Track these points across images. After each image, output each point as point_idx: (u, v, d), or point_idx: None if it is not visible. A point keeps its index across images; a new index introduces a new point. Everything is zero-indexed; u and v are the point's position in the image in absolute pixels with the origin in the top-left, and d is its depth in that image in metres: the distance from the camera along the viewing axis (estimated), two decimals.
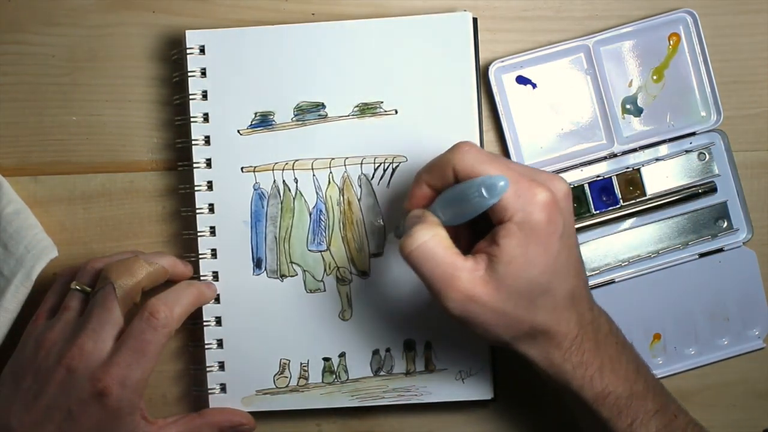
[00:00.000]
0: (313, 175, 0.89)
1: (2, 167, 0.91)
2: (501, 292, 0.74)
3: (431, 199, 0.79)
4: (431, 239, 0.75)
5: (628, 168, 0.92)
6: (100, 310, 0.82)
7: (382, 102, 0.89)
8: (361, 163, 0.89)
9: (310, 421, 0.94)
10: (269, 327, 0.90)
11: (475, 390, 0.90)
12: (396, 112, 0.89)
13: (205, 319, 0.90)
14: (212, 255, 0.89)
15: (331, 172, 0.89)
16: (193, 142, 0.89)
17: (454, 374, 0.90)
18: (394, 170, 0.89)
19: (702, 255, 0.93)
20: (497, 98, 0.90)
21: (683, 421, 0.80)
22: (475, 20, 0.89)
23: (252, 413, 0.90)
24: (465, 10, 0.89)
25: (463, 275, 0.74)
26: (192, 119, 0.89)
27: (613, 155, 0.92)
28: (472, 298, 0.74)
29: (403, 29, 0.88)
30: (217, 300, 0.90)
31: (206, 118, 0.89)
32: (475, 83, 0.89)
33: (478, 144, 0.88)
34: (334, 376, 0.90)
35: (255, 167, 0.89)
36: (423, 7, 0.91)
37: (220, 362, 0.90)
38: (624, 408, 0.78)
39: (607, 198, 0.92)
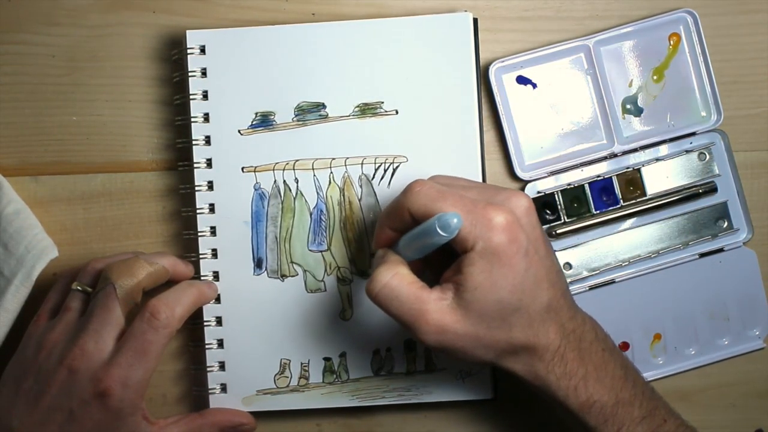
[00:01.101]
0: (314, 175, 0.89)
1: (2, 167, 0.91)
2: (470, 318, 0.75)
3: (395, 240, 0.81)
4: (393, 278, 0.76)
5: (628, 168, 0.92)
6: (101, 310, 0.82)
7: (382, 102, 0.89)
8: (362, 163, 0.89)
9: (311, 421, 0.94)
10: (270, 327, 0.90)
11: (475, 390, 0.91)
12: (396, 112, 0.89)
13: (205, 319, 0.90)
14: (213, 255, 0.89)
15: (331, 172, 0.89)
16: (194, 142, 0.89)
17: (455, 374, 0.90)
18: (394, 170, 0.89)
19: (702, 255, 0.93)
20: (497, 98, 0.90)
21: (673, 425, 0.80)
22: (475, 20, 0.89)
23: (252, 413, 0.90)
24: (465, 11, 0.89)
25: (431, 307, 0.75)
26: (192, 119, 0.89)
27: (614, 155, 0.92)
28: (443, 328, 0.75)
29: (404, 29, 0.88)
30: (218, 300, 0.90)
31: (207, 118, 0.89)
32: (476, 83, 0.89)
33: (478, 144, 0.89)
34: (334, 375, 0.90)
35: (255, 167, 0.89)
36: (423, 7, 0.91)
37: (220, 362, 0.90)
38: (610, 416, 0.78)
39: (607, 198, 0.92)
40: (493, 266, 0.74)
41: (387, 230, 0.81)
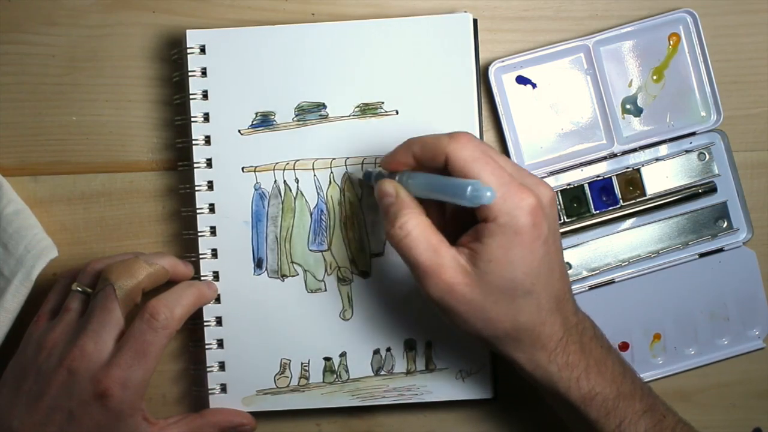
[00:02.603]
0: (314, 175, 0.89)
1: (2, 167, 0.91)
2: (482, 289, 0.75)
3: (411, 168, 0.81)
4: (417, 227, 0.76)
5: (628, 168, 0.92)
6: (101, 311, 0.82)
7: (382, 102, 0.89)
8: (362, 164, 0.89)
9: (311, 421, 0.94)
10: (270, 327, 0.90)
11: (476, 389, 0.91)
12: (397, 112, 0.89)
13: (205, 319, 0.90)
14: (213, 255, 0.89)
15: (332, 172, 0.89)
16: (194, 142, 0.89)
17: (455, 374, 0.90)
18: None
19: (702, 255, 0.93)
20: (497, 98, 0.90)
21: (672, 420, 0.80)
22: (475, 21, 0.89)
23: (252, 413, 0.90)
24: (465, 11, 0.90)
25: (447, 264, 0.75)
26: (192, 119, 0.89)
27: (613, 155, 0.92)
28: (452, 288, 0.75)
29: (404, 30, 0.89)
30: (218, 300, 0.89)
31: (207, 117, 0.89)
32: (475, 84, 0.89)
33: None
34: (334, 375, 0.90)
35: (256, 167, 0.89)
36: (423, 7, 0.91)
37: (220, 362, 0.90)
38: (612, 409, 0.78)
39: (607, 198, 0.92)
40: (513, 244, 0.74)
41: (410, 158, 0.80)
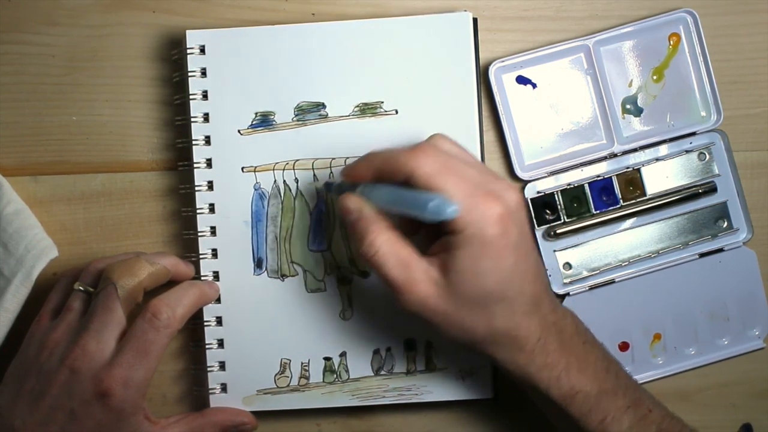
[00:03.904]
0: (314, 175, 0.89)
1: (2, 167, 0.91)
2: (453, 299, 0.76)
3: (371, 180, 0.80)
4: (386, 243, 0.77)
5: (628, 168, 0.92)
6: (103, 310, 0.82)
7: (382, 102, 0.89)
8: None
9: (310, 421, 0.94)
10: (270, 327, 0.90)
11: (476, 389, 0.91)
12: (396, 112, 0.89)
13: (205, 319, 0.90)
14: (213, 255, 0.89)
15: (331, 172, 0.89)
16: (194, 142, 0.89)
17: (455, 373, 0.90)
18: None
19: (702, 255, 0.93)
20: (497, 98, 0.90)
21: (658, 415, 0.80)
22: (475, 20, 0.89)
23: (253, 413, 0.90)
24: (465, 10, 0.89)
25: (418, 277, 0.76)
26: (192, 119, 0.89)
27: (613, 155, 0.92)
28: (425, 301, 0.76)
29: (404, 29, 0.88)
30: (218, 300, 0.89)
31: (206, 118, 0.89)
32: (475, 83, 0.89)
33: (478, 144, 0.89)
34: (335, 375, 0.90)
35: (255, 167, 0.89)
36: (423, 7, 0.91)
37: (220, 362, 0.90)
38: (594, 406, 0.79)
39: (607, 198, 0.92)
40: (481, 255, 0.74)
41: (371, 172, 0.80)
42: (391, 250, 0.76)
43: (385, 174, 0.78)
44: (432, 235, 0.79)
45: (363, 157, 0.81)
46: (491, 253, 0.74)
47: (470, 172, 0.77)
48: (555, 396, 0.79)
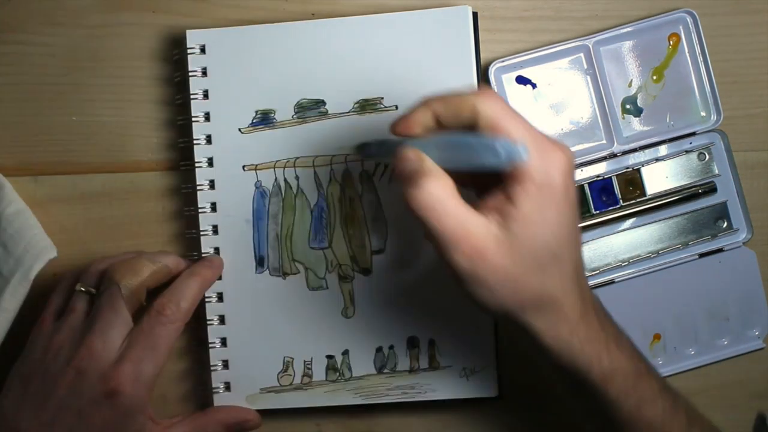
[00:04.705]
0: (315, 172, 0.89)
1: (2, 167, 0.91)
2: (513, 254, 0.70)
3: (428, 131, 0.74)
4: (441, 190, 0.71)
5: (628, 168, 0.92)
6: (107, 310, 0.82)
7: (382, 98, 0.89)
8: (363, 160, 0.89)
9: (310, 421, 0.94)
10: (272, 325, 0.90)
11: (480, 387, 0.90)
12: (396, 107, 0.89)
13: (208, 317, 0.90)
14: (215, 253, 0.90)
15: (332, 169, 0.89)
16: (195, 142, 0.89)
17: (459, 371, 0.90)
18: None
19: (702, 255, 0.93)
20: None
21: (684, 402, 0.79)
22: (475, 14, 0.89)
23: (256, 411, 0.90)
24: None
25: (475, 230, 0.70)
26: (193, 119, 0.89)
27: (613, 155, 0.92)
28: (483, 256, 0.70)
29: (403, 24, 0.88)
30: (221, 299, 0.90)
31: (207, 117, 0.89)
32: (476, 78, 0.89)
33: None
34: (337, 373, 0.90)
35: (256, 165, 0.89)
36: (422, 6, 0.91)
37: (224, 361, 0.90)
38: (631, 387, 0.75)
39: (607, 198, 0.92)
40: (548, 204, 0.70)
41: (430, 116, 0.73)
42: (447, 200, 0.70)
43: (446, 118, 0.73)
44: (482, 191, 0.75)
45: (418, 102, 0.74)
46: (557, 203, 0.70)
47: (532, 125, 0.72)
48: (595, 375, 0.74)
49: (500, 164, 0.69)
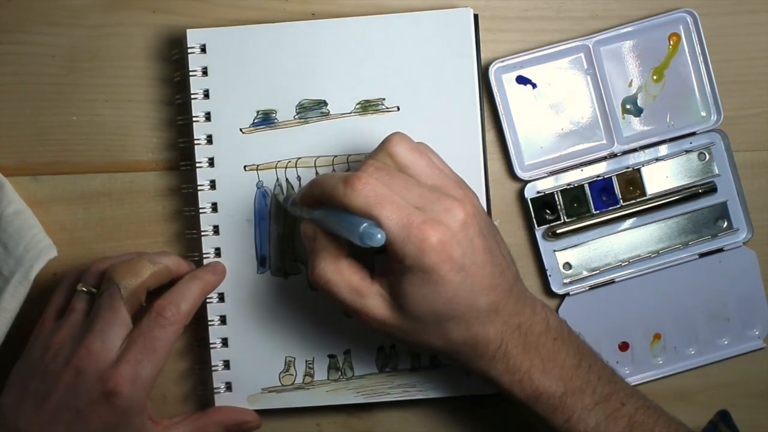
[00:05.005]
0: (316, 172, 0.89)
1: (2, 167, 0.91)
2: (406, 318, 0.77)
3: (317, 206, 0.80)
4: (334, 274, 0.78)
5: (628, 168, 0.92)
6: (107, 311, 0.82)
7: (384, 99, 0.88)
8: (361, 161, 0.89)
9: (310, 421, 0.94)
10: (274, 325, 0.90)
11: (480, 385, 0.90)
12: (398, 108, 0.88)
13: (209, 318, 0.90)
14: (216, 254, 0.89)
15: (334, 170, 0.89)
16: (196, 142, 0.89)
17: (459, 369, 0.90)
18: None
19: (702, 255, 0.93)
20: (497, 98, 0.90)
21: (632, 407, 0.80)
22: (476, 16, 0.89)
23: (257, 411, 0.90)
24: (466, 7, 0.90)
25: (370, 302, 0.77)
26: (194, 119, 0.89)
27: (613, 155, 0.92)
28: (382, 322, 0.78)
29: (405, 26, 0.88)
30: (222, 299, 0.90)
31: (208, 117, 0.89)
32: (477, 79, 0.89)
33: (480, 140, 0.89)
34: (339, 373, 0.90)
35: (258, 165, 0.89)
36: (423, 7, 0.91)
37: (225, 361, 0.90)
38: (558, 405, 0.79)
39: (607, 198, 0.92)
40: (424, 283, 0.74)
41: (314, 199, 0.80)
42: (341, 279, 0.77)
43: (324, 202, 0.78)
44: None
45: (308, 184, 0.81)
46: (433, 279, 0.74)
47: (412, 195, 0.76)
48: (519, 397, 0.79)
49: (360, 245, 0.73)
